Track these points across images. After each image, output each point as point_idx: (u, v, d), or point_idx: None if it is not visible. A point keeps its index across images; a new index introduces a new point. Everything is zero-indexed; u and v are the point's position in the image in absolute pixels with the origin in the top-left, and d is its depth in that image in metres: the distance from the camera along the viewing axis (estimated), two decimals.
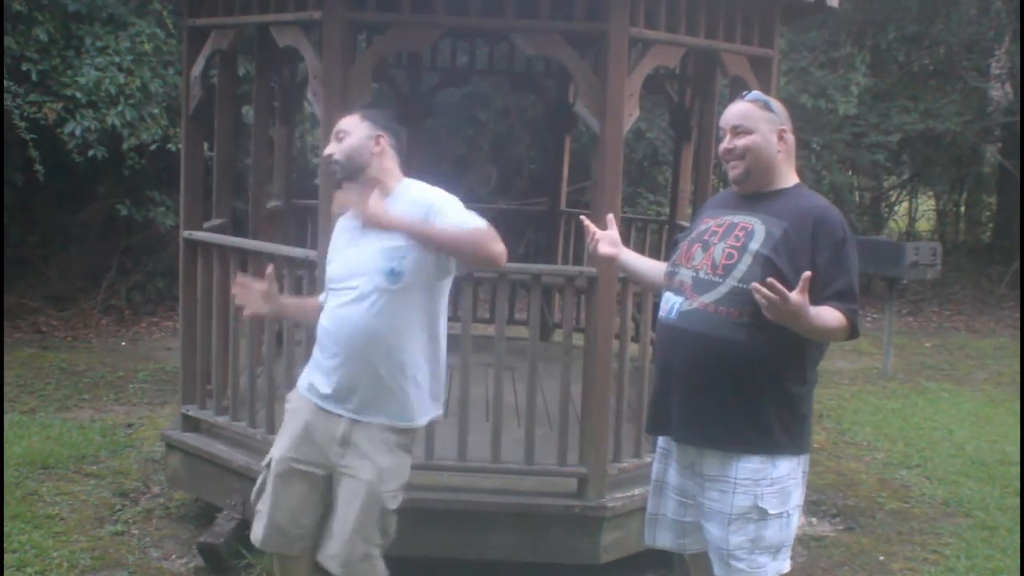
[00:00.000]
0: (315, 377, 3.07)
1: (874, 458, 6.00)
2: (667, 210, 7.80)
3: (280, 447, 3.11)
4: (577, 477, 3.97)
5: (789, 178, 2.86)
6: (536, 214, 8.41)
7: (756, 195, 2.85)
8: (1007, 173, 12.74)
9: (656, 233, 6.70)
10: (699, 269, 2.79)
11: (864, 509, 5.10)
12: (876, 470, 5.77)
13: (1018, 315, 10.83)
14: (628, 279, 3.75)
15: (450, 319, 6.35)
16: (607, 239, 3.12)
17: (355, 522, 3.00)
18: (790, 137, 2.87)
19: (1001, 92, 13.47)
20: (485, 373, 4.40)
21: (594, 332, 3.92)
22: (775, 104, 2.89)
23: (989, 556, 4.51)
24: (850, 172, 13.05)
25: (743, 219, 2.80)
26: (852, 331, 2.68)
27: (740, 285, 2.69)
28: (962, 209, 14.68)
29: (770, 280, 2.51)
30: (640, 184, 11.68)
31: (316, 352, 3.09)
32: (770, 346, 2.69)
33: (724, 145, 2.86)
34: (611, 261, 3.15)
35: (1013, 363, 8.74)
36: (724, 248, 2.76)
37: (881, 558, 4.51)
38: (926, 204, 15.22)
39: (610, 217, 3.20)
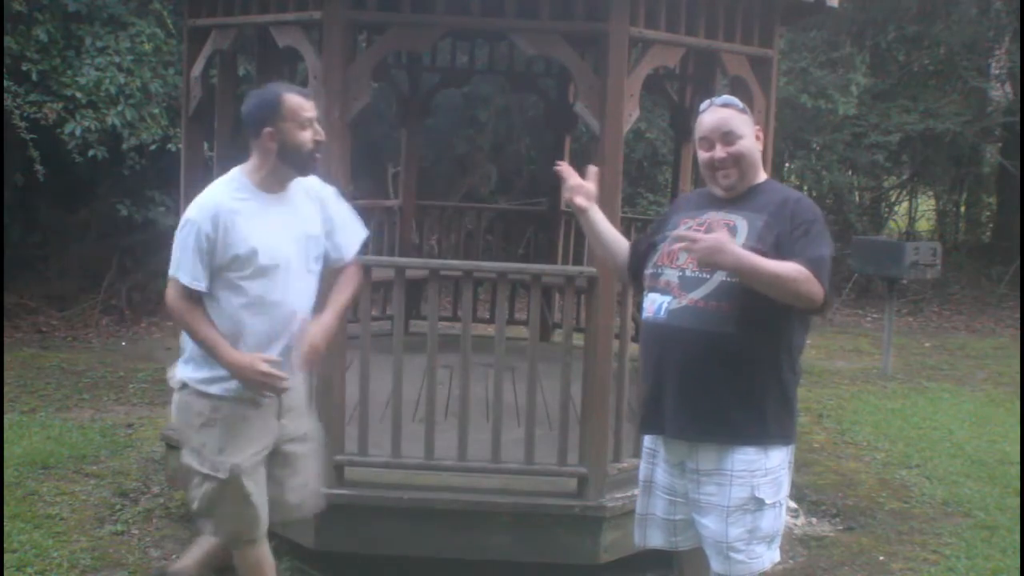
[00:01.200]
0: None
1: (874, 458, 6.00)
2: (667, 210, 7.80)
3: (241, 453, 3.10)
4: (577, 477, 3.97)
5: (761, 174, 2.96)
6: (536, 214, 8.40)
7: (740, 193, 2.91)
8: (1007, 173, 12.74)
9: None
10: (684, 268, 2.82)
11: (864, 509, 5.10)
12: (876, 470, 5.77)
13: (1018, 315, 10.84)
14: (588, 239, 3.55)
15: (450, 319, 6.40)
16: (583, 191, 3.10)
17: (318, 468, 3.34)
18: (760, 134, 2.98)
19: (1001, 92, 13.48)
20: (485, 373, 4.40)
21: (594, 332, 3.92)
22: (743, 105, 2.99)
23: (989, 556, 4.51)
24: (850, 172, 13.06)
25: (725, 216, 2.85)
26: (819, 289, 2.66)
27: (728, 280, 2.74)
28: (962, 209, 14.69)
29: (675, 233, 2.71)
30: (640, 184, 11.69)
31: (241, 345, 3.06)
32: (761, 336, 2.76)
33: (714, 154, 2.88)
34: (582, 214, 3.13)
35: (1013, 363, 8.74)
36: None
37: (881, 558, 4.51)
38: (926, 204, 15.23)
39: (593, 169, 3.18)
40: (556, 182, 7.09)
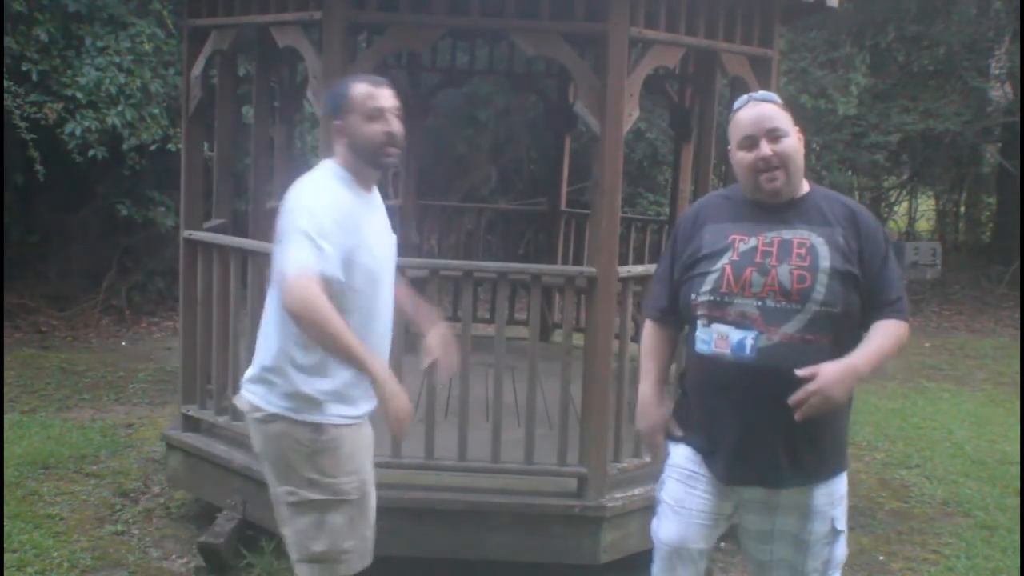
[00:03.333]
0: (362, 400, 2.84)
1: (874, 458, 5.99)
2: (667, 210, 7.81)
3: (366, 470, 2.94)
4: (577, 477, 3.97)
5: (805, 181, 2.72)
6: (536, 214, 8.41)
7: (787, 203, 2.64)
8: (1007, 173, 12.74)
9: (656, 233, 6.71)
10: (764, 297, 2.52)
11: (864, 509, 5.10)
12: (876, 470, 5.77)
13: (1018, 315, 10.84)
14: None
15: (450, 319, 6.40)
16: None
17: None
18: (802, 135, 2.70)
19: (1001, 92, 13.48)
20: (485, 373, 4.40)
21: (594, 332, 3.92)
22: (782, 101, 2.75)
23: (989, 556, 4.51)
24: (850, 172, 13.06)
25: (795, 234, 2.58)
26: (908, 326, 2.63)
27: (824, 309, 2.50)
28: (962, 209, 14.69)
29: (801, 386, 2.42)
30: (640, 184, 11.68)
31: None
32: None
33: (760, 153, 2.57)
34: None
35: (1013, 363, 8.74)
36: (790, 270, 2.53)
37: (881, 558, 4.51)
38: (926, 204, 15.23)
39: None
40: (556, 182, 7.16)
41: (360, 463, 2.89)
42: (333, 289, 2.62)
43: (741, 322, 2.53)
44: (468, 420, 3.93)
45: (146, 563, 4.18)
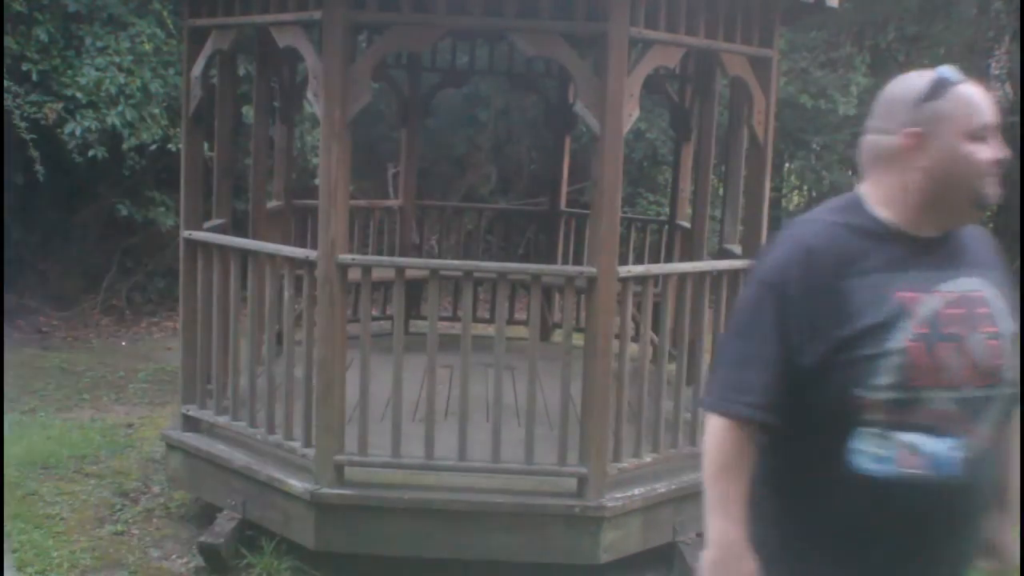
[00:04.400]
0: None
1: None
2: (667, 210, 7.81)
3: None
4: (577, 477, 3.97)
5: None
6: (536, 214, 8.42)
7: (942, 236, 1.82)
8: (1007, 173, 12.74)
9: (656, 233, 6.70)
10: (960, 385, 1.73)
11: None
12: None
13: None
14: None
15: (450, 319, 6.40)
16: None
17: None
18: None
19: (1001, 92, 13.48)
20: (485, 373, 4.40)
21: (594, 332, 3.92)
22: None
23: None
24: (850, 172, 13.06)
25: (968, 284, 1.79)
26: None
27: (1012, 391, 1.79)
28: None
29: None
30: (640, 184, 11.68)
31: None
32: None
33: (997, 152, 1.79)
34: None
35: None
36: (983, 340, 1.76)
37: None
38: None
39: None
40: (556, 182, 7.16)
41: None
42: None
43: (935, 427, 1.71)
44: (468, 420, 3.93)
45: (146, 563, 4.18)
